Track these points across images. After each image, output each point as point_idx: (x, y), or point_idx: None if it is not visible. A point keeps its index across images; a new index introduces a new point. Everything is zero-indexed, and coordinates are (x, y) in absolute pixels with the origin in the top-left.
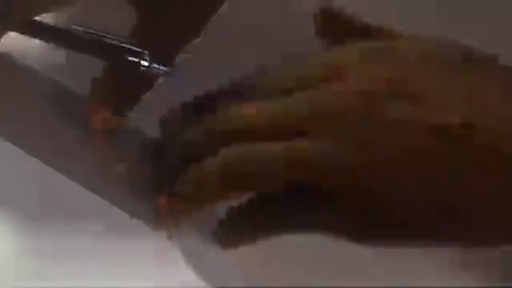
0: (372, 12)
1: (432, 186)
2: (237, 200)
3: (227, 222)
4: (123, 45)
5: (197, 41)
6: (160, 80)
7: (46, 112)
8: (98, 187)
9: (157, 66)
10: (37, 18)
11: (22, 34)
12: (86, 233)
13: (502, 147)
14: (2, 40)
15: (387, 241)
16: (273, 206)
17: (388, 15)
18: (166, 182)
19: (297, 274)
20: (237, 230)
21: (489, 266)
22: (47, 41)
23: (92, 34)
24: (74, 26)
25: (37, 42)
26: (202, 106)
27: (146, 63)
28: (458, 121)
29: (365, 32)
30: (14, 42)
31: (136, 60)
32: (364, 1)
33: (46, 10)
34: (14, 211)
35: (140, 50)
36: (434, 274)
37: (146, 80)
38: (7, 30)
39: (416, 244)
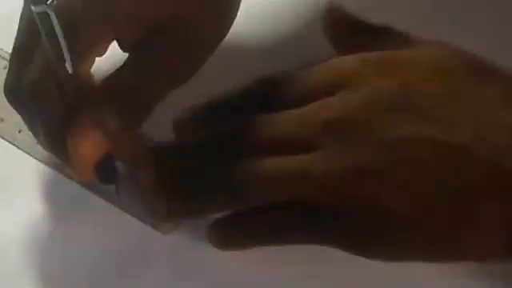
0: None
1: (435, 202)
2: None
3: (226, 225)
4: None
5: None
6: None
7: None
8: (97, 187)
9: None
10: None
11: None
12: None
13: (505, 162)
14: None
15: (395, 254)
16: (277, 217)
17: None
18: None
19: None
20: (235, 235)
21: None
22: None
23: None
24: None
25: None
26: (215, 111)
27: None
28: (463, 138)
29: (372, 33)
30: None
31: None
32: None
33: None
34: None
35: None
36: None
37: None
38: None
39: (423, 259)
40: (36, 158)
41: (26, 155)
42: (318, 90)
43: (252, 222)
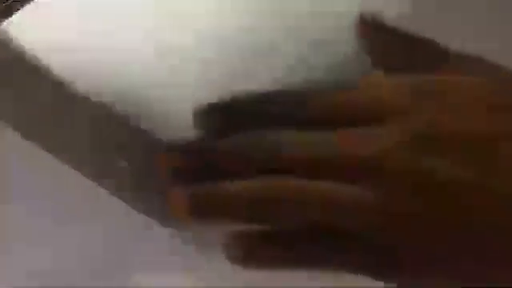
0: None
1: (476, 251)
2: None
3: (244, 242)
4: None
5: None
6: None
7: None
8: (105, 181)
9: None
10: None
11: None
12: None
13: None
14: None
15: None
16: (295, 240)
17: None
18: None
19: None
20: (252, 254)
21: None
22: None
23: None
24: None
25: None
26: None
27: None
28: (502, 186)
29: (410, 44)
30: None
31: None
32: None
33: None
34: None
35: None
36: None
37: None
38: None
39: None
40: None
41: None
42: (351, 116)
43: (271, 245)
